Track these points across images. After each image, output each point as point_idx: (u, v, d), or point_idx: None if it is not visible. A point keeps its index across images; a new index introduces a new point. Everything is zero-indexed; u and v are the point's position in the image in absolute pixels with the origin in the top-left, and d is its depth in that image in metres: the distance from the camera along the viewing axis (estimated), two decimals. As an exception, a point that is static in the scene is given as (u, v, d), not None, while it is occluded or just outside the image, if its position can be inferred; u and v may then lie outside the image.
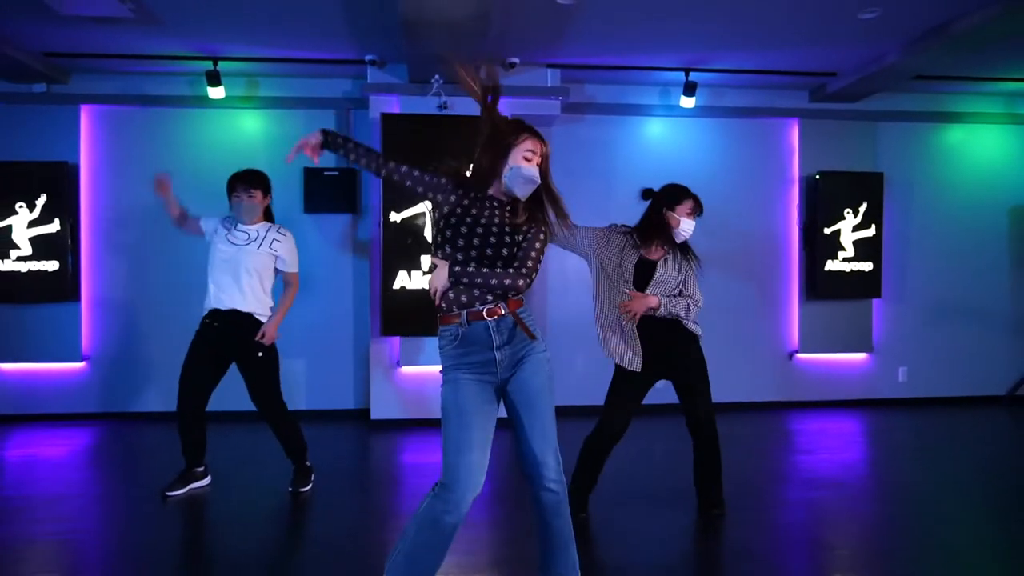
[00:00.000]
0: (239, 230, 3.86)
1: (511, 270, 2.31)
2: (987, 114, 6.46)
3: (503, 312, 2.31)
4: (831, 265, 6.28)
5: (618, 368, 3.45)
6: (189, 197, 5.70)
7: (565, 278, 6.06)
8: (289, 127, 5.95)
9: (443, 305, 2.34)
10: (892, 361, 6.56)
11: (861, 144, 6.41)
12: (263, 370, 3.85)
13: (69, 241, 5.66)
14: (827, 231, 6.29)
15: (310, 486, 4.00)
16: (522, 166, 2.33)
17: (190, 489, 3.90)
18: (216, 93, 5.47)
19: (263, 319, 3.86)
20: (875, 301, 6.48)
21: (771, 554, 3.17)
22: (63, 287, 5.65)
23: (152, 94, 5.71)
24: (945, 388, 6.62)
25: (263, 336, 3.81)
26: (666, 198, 3.40)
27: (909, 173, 6.55)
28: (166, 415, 5.63)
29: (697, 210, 3.40)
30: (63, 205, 5.63)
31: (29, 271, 5.62)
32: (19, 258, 5.62)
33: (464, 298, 2.32)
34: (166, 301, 5.80)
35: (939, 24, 4.69)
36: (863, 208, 6.30)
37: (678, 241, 3.41)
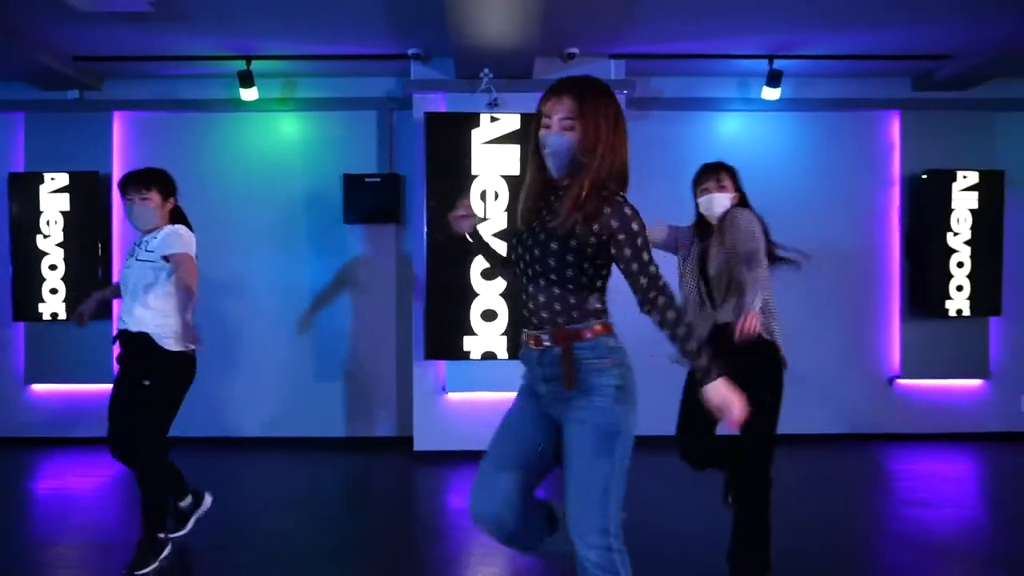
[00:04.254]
0: (145, 248, 3.22)
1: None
2: None
3: (546, 344, 1.94)
4: (939, 277, 5.46)
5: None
6: (221, 207, 5.44)
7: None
8: (328, 129, 5.52)
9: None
10: (1013, 388, 5.66)
11: (976, 138, 5.56)
12: (147, 402, 3.15)
13: (100, 254, 5.39)
14: (935, 238, 5.47)
15: (155, 566, 3.09)
16: (540, 135, 1.96)
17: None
18: (249, 95, 5.09)
19: (163, 338, 3.16)
20: (992, 319, 5.62)
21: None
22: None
23: (185, 98, 5.38)
24: (1076, 420, 5.69)
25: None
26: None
27: (1035, 171, 5.66)
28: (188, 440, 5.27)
29: (713, 181, 3.01)
30: (94, 219, 5.35)
31: (60, 288, 5.37)
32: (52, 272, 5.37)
33: (524, 313, 2.03)
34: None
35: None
36: (978, 212, 5.46)
37: (712, 221, 3.05)
